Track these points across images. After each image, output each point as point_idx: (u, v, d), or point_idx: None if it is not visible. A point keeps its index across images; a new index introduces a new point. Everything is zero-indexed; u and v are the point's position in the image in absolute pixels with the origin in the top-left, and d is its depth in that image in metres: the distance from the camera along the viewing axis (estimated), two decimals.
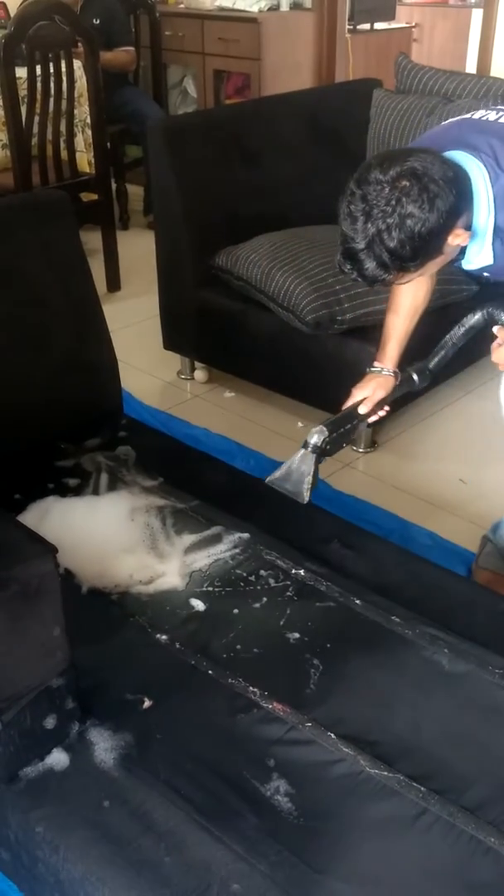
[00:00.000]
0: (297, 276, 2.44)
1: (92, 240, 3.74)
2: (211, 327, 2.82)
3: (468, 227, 1.46)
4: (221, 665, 1.45)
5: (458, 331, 1.70)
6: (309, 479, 1.65)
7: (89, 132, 3.62)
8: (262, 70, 4.40)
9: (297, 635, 1.52)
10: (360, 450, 2.65)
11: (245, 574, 1.65)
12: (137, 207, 4.54)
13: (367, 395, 1.74)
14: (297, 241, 2.60)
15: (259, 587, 1.62)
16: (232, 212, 2.75)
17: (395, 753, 1.31)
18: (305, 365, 2.60)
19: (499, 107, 1.58)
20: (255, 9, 4.45)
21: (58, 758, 1.29)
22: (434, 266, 1.49)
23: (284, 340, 2.57)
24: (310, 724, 1.35)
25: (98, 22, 3.98)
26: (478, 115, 1.57)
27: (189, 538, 1.72)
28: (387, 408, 1.77)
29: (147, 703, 1.38)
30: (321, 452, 1.66)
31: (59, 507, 1.78)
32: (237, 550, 1.71)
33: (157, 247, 2.87)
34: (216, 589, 1.62)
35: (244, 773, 1.28)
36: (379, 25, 4.71)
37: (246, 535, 1.74)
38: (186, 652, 1.48)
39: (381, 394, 1.74)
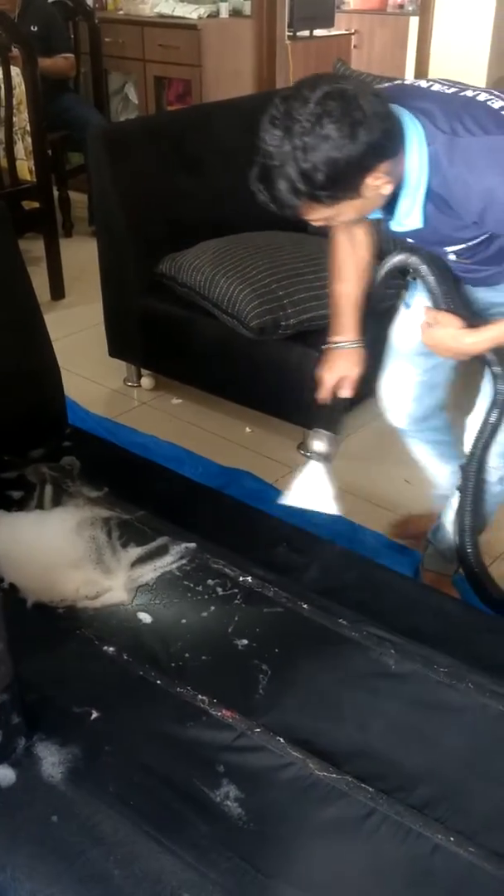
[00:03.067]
0: (241, 283, 2.45)
1: (35, 248, 3.71)
2: (156, 334, 2.82)
3: (397, 179, 1.40)
4: (169, 674, 1.45)
5: (383, 268, 1.67)
6: (329, 487, 1.61)
7: (29, 140, 3.58)
8: (203, 76, 4.41)
9: (245, 642, 1.52)
10: (306, 454, 2.65)
11: (192, 584, 1.65)
12: (81, 215, 4.51)
13: (344, 374, 1.66)
14: (240, 247, 2.61)
15: (207, 596, 1.62)
16: (175, 218, 2.75)
17: (344, 755, 1.32)
18: (251, 370, 2.61)
19: (447, 82, 1.52)
20: (194, 16, 4.46)
21: (4, 774, 1.27)
22: (352, 210, 1.39)
23: (230, 346, 2.57)
24: (259, 730, 1.35)
25: (36, 29, 3.95)
26: (424, 84, 1.51)
27: (135, 551, 1.71)
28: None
29: (94, 715, 1.37)
30: (328, 459, 1.62)
31: (5, 521, 1.76)
32: (184, 561, 1.70)
33: (99, 254, 2.85)
34: (163, 601, 1.61)
35: (194, 780, 1.28)
36: (318, 32, 4.76)
37: (192, 545, 1.73)
38: (134, 663, 1.47)
39: (357, 370, 1.67)
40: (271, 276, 2.46)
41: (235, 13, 4.62)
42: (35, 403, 2.08)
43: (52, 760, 1.29)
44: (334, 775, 1.28)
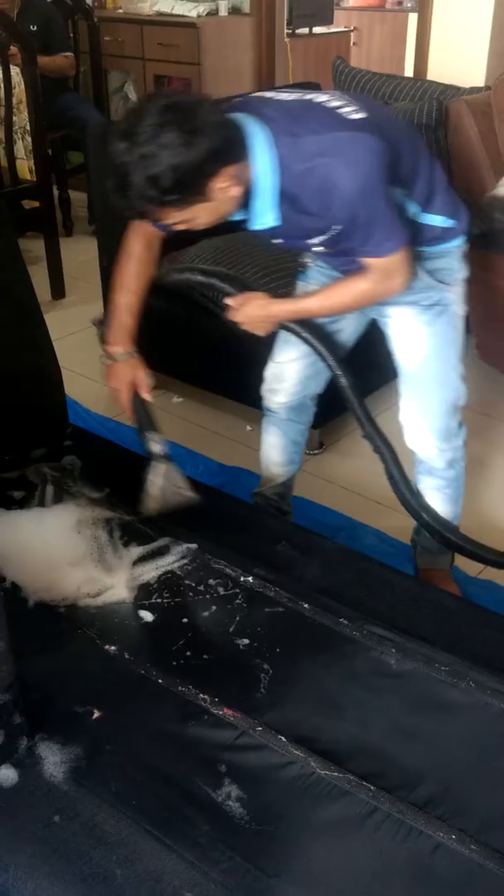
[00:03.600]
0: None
1: (36, 247, 3.71)
2: (157, 333, 2.79)
3: (247, 182, 1.49)
4: (171, 674, 1.45)
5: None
6: (181, 482, 1.77)
7: (29, 139, 3.58)
8: (203, 75, 4.41)
9: (246, 641, 1.52)
10: (308, 452, 2.66)
11: (194, 584, 1.65)
12: (82, 214, 4.51)
13: (130, 382, 1.79)
14: (239, 246, 2.61)
15: (208, 596, 1.62)
16: None
17: (345, 754, 1.32)
18: (252, 368, 2.60)
19: (290, 90, 1.65)
20: (193, 14, 4.45)
21: (6, 774, 1.27)
22: (205, 212, 1.48)
23: (230, 344, 2.57)
24: (260, 729, 1.35)
25: (35, 28, 3.95)
26: (268, 94, 1.64)
27: (136, 550, 1.71)
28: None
29: (96, 715, 1.37)
30: (167, 456, 1.78)
31: (5, 520, 1.76)
32: (185, 561, 1.70)
33: (100, 253, 2.85)
34: (165, 600, 1.61)
35: (195, 779, 1.28)
36: (318, 30, 4.75)
37: (194, 546, 1.73)
38: (136, 662, 1.47)
39: (140, 374, 1.80)
40: (270, 274, 2.46)
41: (234, 11, 4.61)
42: (36, 403, 2.08)
43: (53, 760, 1.30)
44: (336, 774, 1.28)
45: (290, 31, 4.55)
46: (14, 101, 3.40)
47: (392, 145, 1.51)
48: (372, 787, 1.26)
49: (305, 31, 4.66)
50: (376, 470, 2.49)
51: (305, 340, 1.80)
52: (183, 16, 4.49)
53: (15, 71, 3.37)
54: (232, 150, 1.43)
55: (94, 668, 1.47)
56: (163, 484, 1.76)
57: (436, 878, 1.17)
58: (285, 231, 1.61)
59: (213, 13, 4.52)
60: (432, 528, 1.88)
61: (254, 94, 1.64)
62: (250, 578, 1.66)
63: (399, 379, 1.86)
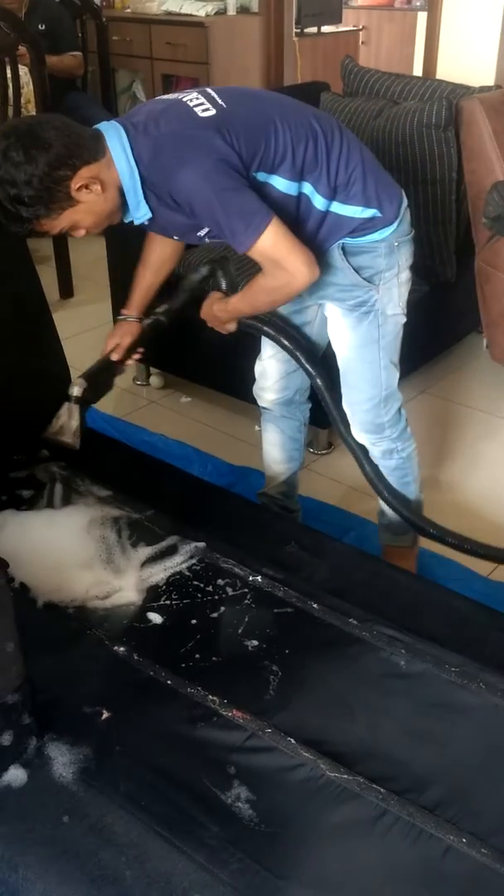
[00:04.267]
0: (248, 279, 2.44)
1: (44, 247, 3.71)
2: (166, 333, 2.81)
3: (113, 181, 1.58)
4: (180, 675, 1.45)
5: (195, 277, 1.91)
6: (77, 427, 1.84)
7: None
8: (211, 74, 4.40)
9: (255, 642, 1.52)
10: (317, 451, 2.66)
11: (202, 584, 1.65)
12: None
13: (117, 341, 1.90)
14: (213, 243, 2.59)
15: (217, 596, 1.62)
16: None
17: (355, 756, 1.31)
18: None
19: (178, 93, 1.68)
20: (202, 13, 4.45)
21: (15, 774, 1.27)
22: (82, 214, 1.58)
23: (239, 344, 2.56)
24: (270, 731, 1.35)
25: (43, 27, 3.95)
26: (153, 100, 1.73)
27: (145, 551, 1.71)
28: (140, 350, 1.95)
29: (105, 716, 1.37)
30: (84, 402, 1.87)
31: (16, 520, 1.76)
32: (193, 561, 1.70)
33: (108, 252, 2.85)
34: (173, 601, 1.61)
35: (205, 781, 1.27)
36: (326, 29, 4.74)
37: (202, 545, 1.73)
38: (144, 663, 1.47)
39: (128, 339, 1.91)
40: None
41: (243, 10, 4.61)
42: (44, 402, 2.07)
43: (62, 761, 1.30)
44: (345, 776, 1.28)
45: (299, 31, 4.54)
46: (22, 100, 3.40)
47: (250, 138, 1.56)
48: (382, 790, 1.26)
49: (314, 30, 4.65)
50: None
51: (264, 334, 1.89)
52: (191, 15, 4.48)
53: (23, 70, 3.37)
54: (80, 151, 1.53)
55: (103, 669, 1.47)
56: (62, 422, 1.85)
57: (446, 882, 1.16)
58: (165, 225, 1.70)
59: (222, 12, 4.52)
60: (395, 507, 1.95)
61: (141, 103, 1.77)
62: (259, 578, 1.66)
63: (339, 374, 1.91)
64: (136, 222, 1.69)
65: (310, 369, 1.85)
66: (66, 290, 3.72)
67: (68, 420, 1.84)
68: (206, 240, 1.71)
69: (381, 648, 1.50)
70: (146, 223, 1.69)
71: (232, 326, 1.86)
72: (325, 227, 1.68)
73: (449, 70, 4.03)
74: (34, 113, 3.54)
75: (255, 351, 2.53)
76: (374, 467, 1.93)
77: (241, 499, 2.00)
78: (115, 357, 1.90)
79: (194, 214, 1.58)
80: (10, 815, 1.23)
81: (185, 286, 1.93)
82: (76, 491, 1.89)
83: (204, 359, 2.75)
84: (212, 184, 1.52)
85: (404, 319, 1.84)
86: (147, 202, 1.62)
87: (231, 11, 4.54)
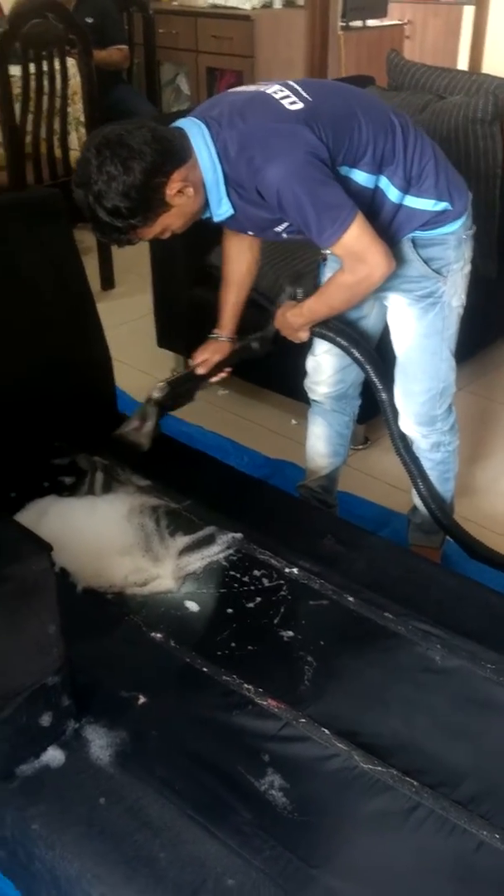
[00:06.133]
0: (290, 274, 2.44)
1: (86, 238, 3.73)
2: (205, 325, 2.80)
3: (198, 181, 1.58)
4: (216, 663, 1.46)
5: (282, 298, 1.89)
6: (151, 429, 1.87)
7: (83, 130, 3.62)
8: (256, 67, 4.41)
9: (290, 633, 1.53)
10: (353, 447, 2.65)
11: (238, 575, 1.66)
12: None
13: (206, 357, 1.95)
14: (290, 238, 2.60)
15: (253, 587, 1.63)
16: None
17: (389, 748, 1.32)
18: (298, 362, 2.59)
19: (256, 85, 1.67)
20: (248, 6, 4.45)
21: (53, 755, 1.30)
22: (173, 218, 1.59)
23: (277, 337, 2.57)
24: (304, 721, 1.36)
25: (91, 20, 3.97)
26: (228, 92, 1.70)
27: (182, 540, 1.73)
28: (228, 370, 2.00)
29: (142, 701, 1.39)
30: (163, 406, 1.90)
31: (58, 506, 1.79)
32: (230, 551, 1.71)
33: (151, 245, 2.87)
34: (210, 590, 1.63)
35: (239, 768, 1.29)
36: (371, 22, 4.70)
37: (239, 535, 1.74)
38: (181, 650, 1.48)
39: (217, 357, 1.96)
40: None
41: (289, 4, 4.60)
42: (87, 391, 2.10)
43: (100, 743, 1.32)
44: (379, 768, 1.28)
45: (344, 24, 4.51)
46: (69, 92, 3.43)
47: (337, 132, 1.57)
48: (415, 783, 1.26)
49: (359, 23, 4.62)
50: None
51: (331, 341, 1.87)
52: (237, 8, 4.49)
53: (70, 62, 3.40)
54: (171, 156, 1.53)
55: (140, 655, 1.49)
56: (136, 422, 1.89)
57: (478, 877, 1.16)
58: (245, 221, 1.69)
59: (268, 5, 4.51)
60: (430, 509, 1.97)
61: (215, 96, 1.72)
62: (295, 570, 1.67)
63: (395, 365, 1.91)
64: (216, 220, 1.68)
65: (376, 381, 1.86)
66: (108, 282, 3.75)
67: (143, 421, 1.86)
68: (284, 235, 1.71)
69: (417, 643, 1.50)
70: (226, 220, 1.68)
71: (304, 335, 1.86)
72: (397, 220, 1.69)
73: (495, 64, 3.98)
74: (80, 105, 3.57)
75: (293, 346, 2.53)
76: (418, 464, 1.93)
77: (279, 491, 2.01)
78: (201, 371, 1.95)
79: (281, 208, 1.57)
80: (48, 795, 1.26)
81: (262, 300, 1.98)
82: (116, 479, 1.91)
83: None
84: (302, 177, 1.52)
85: (462, 312, 1.85)
86: (228, 198, 1.62)
87: (277, 4, 4.53)
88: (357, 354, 1.84)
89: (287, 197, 1.53)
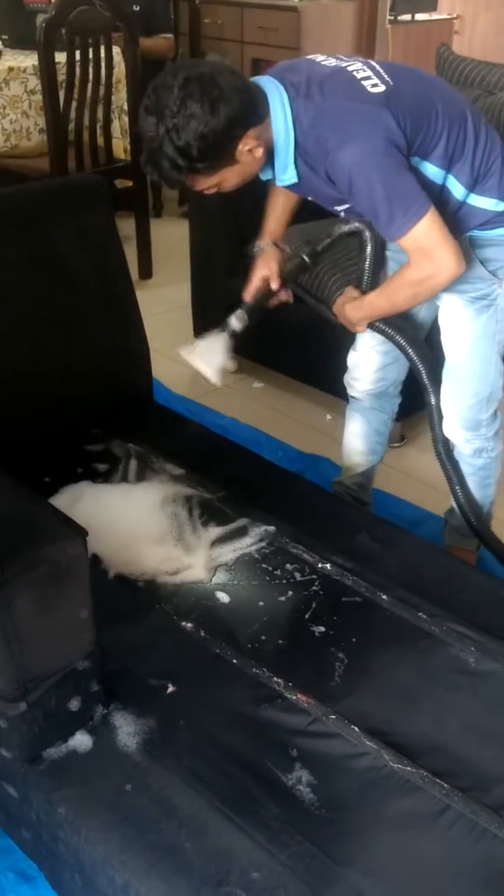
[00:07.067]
0: (332, 267, 2.42)
1: (125, 227, 3.73)
2: (306, 271, 2.79)
3: (269, 142, 1.53)
4: (246, 655, 1.45)
5: (342, 228, 1.83)
6: (223, 364, 1.79)
7: (125, 119, 3.62)
8: None
9: (322, 629, 1.52)
10: (389, 444, 2.62)
11: (271, 568, 1.65)
12: (171, 196, 4.54)
13: (266, 272, 1.84)
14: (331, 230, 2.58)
15: (285, 581, 1.62)
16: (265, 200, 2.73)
17: (419, 749, 1.30)
18: (336, 357, 2.58)
19: (332, 57, 1.61)
20: None
21: (81, 740, 1.30)
22: (234, 174, 1.53)
23: (316, 332, 2.55)
24: (334, 717, 1.34)
25: (138, 8, 3.97)
26: (303, 59, 1.62)
27: (215, 531, 1.72)
28: (289, 293, 1.89)
29: (171, 689, 1.39)
30: (235, 336, 1.79)
31: (92, 492, 1.79)
32: (263, 544, 1.70)
33: (191, 236, 2.87)
34: (241, 582, 1.62)
35: (266, 762, 1.28)
36: (420, 16, 4.67)
37: (272, 528, 1.73)
38: (211, 640, 1.48)
39: (275, 266, 1.85)
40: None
41: None
42: (124, 379, 2.10)
43: (128, 730, 1.31)
44: (409, 768, 1.27)
45: (392, 18, 4.47)
46: (113, 80, 3.43)
47: (415, 121, 1.51)
48: (445, 785, 1.24)
49: (408, 17, 4.58)
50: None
51: (388, 337, 1.83)
52: None
53: (116, 51, 3.40)
54: (253, 112, 1.47)
55: (170, 643, 1.48)
56: (208, 348, 1.78)
57: None
58: (307, 190, 1.65)
59: None
60: (464, 511, 1.94)
61: (298, 59, 1.63)
62: (328, 566, 1.65)
63: (444, 367, 1.86)
64: (279, 184, 1.64)
65: (425, 374, 1.83)
66: (146, 271, 3.75)
67: (216, 354, 1.76)
68: (342, 214, 1.68)
69: (451, 644, 1.48)
70: (289, 185, 1.63)
71: (362, 328, 1.82)
72: (458, 217, 1.64)
73: None
74: (124, 93, 3.57)
75: (333, 340, 2.51)
76: (458, 470, 1.91)
77: (313, 486, 1.99)
78: (274, 285, 1.84)
79: (351, 194, 1.52)
80: (75, 779, 1.25)
81: (330, 232, 1.85)
82: (150, 468, 1.91)
83: (279, 345, 2.74)
84: (378, 164, 1.47)
85: None
86: (295, 166, 1.57)
87: None
88: (412, 354, 1.80)
89: (359, 183, 1.48)
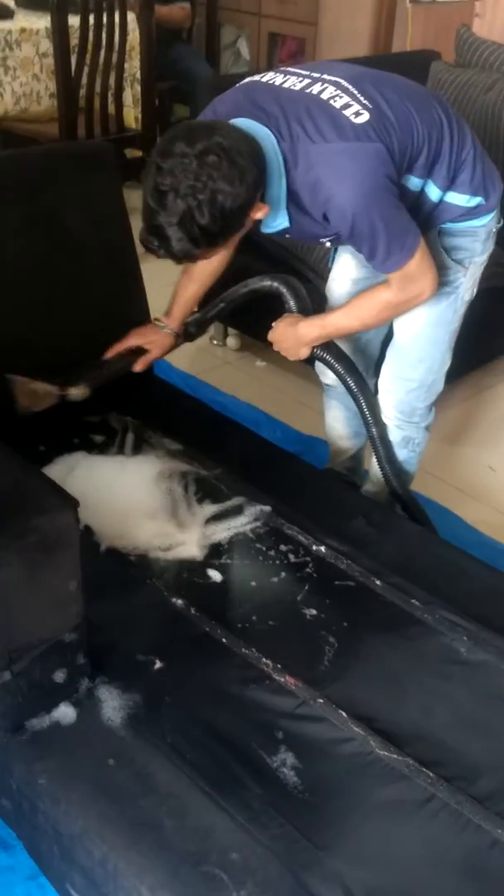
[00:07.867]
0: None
1: (133, 198, 3.68)
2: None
3: (264, 198, 1.47)
4: (235, 634, 1.43)
5: (240, 290, 1.84)
6: (37, 406, 1.78)
7: (138, 87, 3.56)
8: (318, 35, 4.31)
9: (313, 612, 1.50)
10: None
11: (264, 548, 1.63)
12: None
13: (137, 344, 1.86)
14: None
15: (278, 561, 1.60)
16: None
17: (406, 737, 1.29)
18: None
19: (286, 69, 1.56)
20: None
21: (65, 712, 1.28)
22: (235, 241, 1.51)
23: (321, 311, 2.52)
24: (321, 701, 1.33)
25: None
26: (266, 77, 1.54)
27: (210, 508, 1.70)
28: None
29: (158, 666, 1.37)
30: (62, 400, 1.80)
31: (87, 463, 1.77)
32: (258, 523, 1.68)
33: None
34: (234, 561, 1.60)
35: (251, 743, 1.26)
36: None
37: (267, 508, 1.71)
38: (201, 618, 1.46)
39: (157, 353, 1.88)
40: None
41: None
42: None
43: (112, 704, 1.30)
44: (395, 756, 1.25)
45: None
46: (126, 47, 3.37)
47: (401, 142, 1.48)
48: (431, 775, 1.23)
49: None
50: (459, 454, 2.43)
51: (328, 365, 1.81)
52: None
53: (130, 17, 3.34)
54: (263, 174, 1.41)
55: (159, 619, 1.47)
56: (37, 390, 1.77)
57: (489, 876, 1.13)
58: (293, 231, 1.60)
59: None
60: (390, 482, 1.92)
61: (259, 79, 1.55)
62: (322, 548, 1.63)
63: (389, 345, 1.85)
64: (266, 230, 1.58)
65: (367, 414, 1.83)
66: None
67: (37, 399, 1.78)
68: (327, 244, 1.67)
69: (443, 633, 1.46)
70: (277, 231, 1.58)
71: (305, 352, 1.77)
72: (433, 216, 1.63)
73: None
74: (137, 61, 3.51)
75: None
76: (390, 450, 1.91)
77: (311, 467, 1.97)
78: (137, 369, 1.86)
79: (352, 235, 1.49)
80: (57, 751, 1.24)
81: (228, 297, 1.87)
82: (147, 442, 1.88)
83: None
84: (377, 203, 1.44)
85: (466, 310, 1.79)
86: (286, 211, 1.52)
87: None
88: (352, 384, 1.80)
89: (361, 226, 1.45)
